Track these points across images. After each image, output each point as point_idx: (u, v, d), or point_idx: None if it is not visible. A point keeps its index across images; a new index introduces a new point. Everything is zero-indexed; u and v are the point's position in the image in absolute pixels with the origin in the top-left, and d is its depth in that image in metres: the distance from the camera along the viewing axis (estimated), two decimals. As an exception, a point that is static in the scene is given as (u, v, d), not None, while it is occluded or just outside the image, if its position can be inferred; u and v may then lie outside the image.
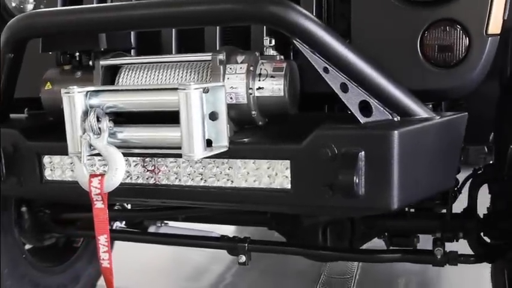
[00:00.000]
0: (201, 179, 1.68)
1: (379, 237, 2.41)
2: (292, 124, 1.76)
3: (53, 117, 1.93)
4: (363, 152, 1.47)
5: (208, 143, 1.56)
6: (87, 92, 1.63)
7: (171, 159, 1.70)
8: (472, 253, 2.20)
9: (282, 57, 1.71)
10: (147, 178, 1.73)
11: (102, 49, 1.80)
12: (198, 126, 1.50)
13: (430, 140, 1.57)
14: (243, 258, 2.30)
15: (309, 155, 1.53)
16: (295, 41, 1.51)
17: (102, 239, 1.72)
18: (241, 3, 1.52)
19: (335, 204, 1.54)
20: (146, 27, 1.74)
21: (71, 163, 1.82)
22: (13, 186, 1.89)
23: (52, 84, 1.89)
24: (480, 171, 2.26)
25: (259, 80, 1.64)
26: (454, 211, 2.23)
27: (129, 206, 2.70)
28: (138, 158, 1.73)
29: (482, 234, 2.22)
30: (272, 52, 1.70)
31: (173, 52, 1.95)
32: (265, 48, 1.70)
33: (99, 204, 1.67)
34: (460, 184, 2.28)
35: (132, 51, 1.97)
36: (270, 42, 1.69)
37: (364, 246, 2.43)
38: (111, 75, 1.81)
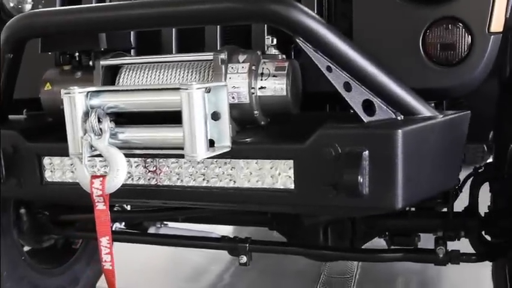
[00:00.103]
0: (203, 179, 1.67)
1: (380, 237, 2.41)
2: (294, 124, 1.75)
3: (52, 118, 1.91)
4: (367, 151, 1.46)
5: (211, 143, 1.55)
6: (88, 92, 1.62)
7: (173, 160, 1.69)
8: (473, 252, 2.20)
9: (284, 56, 1.70)
10: (149, 179, 1.72)
11: (102, 49, 1.79)
12: (201, 126, 1.49)
13: (433, 138, 1.57)
14: (243, 259, 2.29)
15: (313, 155, 1.52)
16: (298, 40, 1.51)
17: (104, 241, 1.70)
18: (244, 2, 1.51)
19: (339, 204, 1.54)
20: (146, 26, 1.73)
21: (71, 164, 1.81)
22: (13, 188, 1.87)
23: (52, 85, 1.88)
24: (481, 170, 2.26)
25: (262, 80, 1.63)
26: (454, 210, 2.23)
27: (128, 207, 2.70)
28: (140, 158, 1.72)
29: (483, 232, 2.21)
30: (274, 51, 1.69)
31: (173, 52, 1.93)
32: (267, 47, 1.69)
33: (100, 206, 1.66)
34: (460, 183, 2.28)
35: (132, 51, 1.96)
36: (272, 41, 1.68)
37: (365, 246, 2.42)
38: (111, 75, 1.80)
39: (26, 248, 2.69)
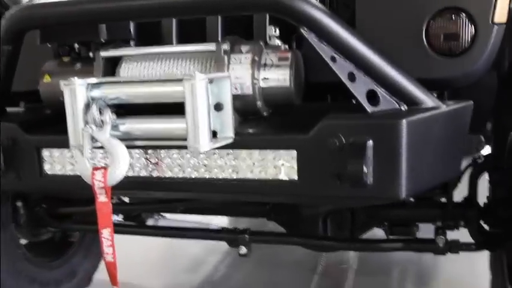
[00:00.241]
0: (206, 170, 1.67)
1: (378, 227, 2.41)
2: (297, 114, 1.74)
3: (51, 110, 1.90)
4: (371, 141, 1.46)
5: (214, 134, 1.54)
6: (89, 83, 1.60)
7: (175, 151, 1.68)
8: (471, 241, 2.21)
9: (287, 46, 1.69)
10: (151, 171, 1.71)
11: (102, 40, 1.77)
12: (204, 118, 1.48)
13: (437, 128, 1.57)
14: (243, 250, 2.29)
15: (316, 145, 1.52)
16: (302, 30, 1.50)
17: (106, 233, 1.69)
18: None
19: (343, 194, 1.54)
20: (148, 17, 1.72)
21: (71, 156, 1.79)
22: (12, 181, 1.86)
23: (51, 77, 1.86)
24: (480, 160, 2.26)
25: (265, 70, 1.63)
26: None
27: (126, 200, 2.68)
28: (141, 150, 1.71)
29: (482, 222, 2.22)
30: (277, 42, 1.68)
31: (174, 43, 1.91)
32: (269, 37, 1.68)
33: (102, 198, 1.64)
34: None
35: (132, 43, 1.94)
36: (275, 32, 1.67)
37: (364, 236, 2.43)
38: (111, 66, 1.78)
39: (23, 241, 2.68)
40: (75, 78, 1.58)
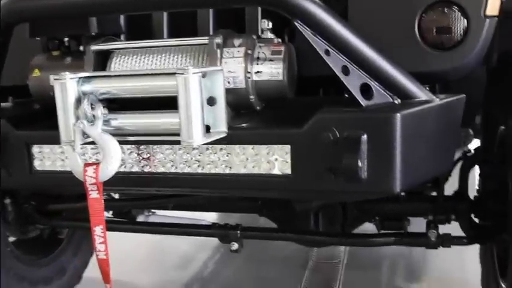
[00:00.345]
0: (199, 166, 1.65)
1: (370, 221, 2.41)
2: (290, 108, 1.73)
3: (41, 105, 1.87)
4: (365, 135, 1.46)
5: (207, 129, 1.52)
6: (80, 78, 1.58)
7: (167, 147, 1.67)
8: (463, 235, 2.22)
9: (280, 40, 1.68)
10: (143, 166, 1.69)
11: (92, 34, 1.74)
12: (197, 112, 1.47)
13: (430, 122, 1.57)
14: (235, 246, 2.27)
15: (310, 139, 1.51)
16: (296, 23, 1.49)
17: (98, 230, 1.67)
18: None
19: (337, 189, 1.53)
20: (139, 9, 1.69)
21: (62, 152, 1.77)
22: (1, 178, 1.83)
23: (40, 71, 1.83)
24: (470, 154, 2.27)
25: (258, 64, 1.62)
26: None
27: (116, 196, 2.66)
28: (133, 145, 1.69)
29: (473, 216, 2.23)
30: (270, 35, 1.67)
31: (164, 36, 1.90)
32: (262, 31, 1.67)
33: (94, 194, 1.62)
34: (450, 166, 2.29)
35: (122, 37, 1.92)
36: (268, 25, 1.66)
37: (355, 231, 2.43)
38: (102, 60, 1.76)
39: (11, 239, 2.64)
40: (66, 72, 1.55)
